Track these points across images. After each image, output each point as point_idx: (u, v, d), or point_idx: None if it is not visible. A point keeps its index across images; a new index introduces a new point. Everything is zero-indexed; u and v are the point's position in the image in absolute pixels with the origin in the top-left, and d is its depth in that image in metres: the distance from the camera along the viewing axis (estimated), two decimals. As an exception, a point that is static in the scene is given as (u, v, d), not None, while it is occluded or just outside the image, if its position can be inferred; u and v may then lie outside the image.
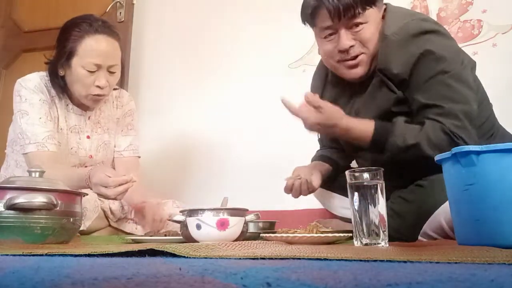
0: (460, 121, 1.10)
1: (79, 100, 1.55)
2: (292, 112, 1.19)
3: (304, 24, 1.28)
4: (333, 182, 1.52)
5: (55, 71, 1.51)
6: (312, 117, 1.16)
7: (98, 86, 1.47)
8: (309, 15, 1.22)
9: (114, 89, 1.65)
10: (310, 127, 1.19)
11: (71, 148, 1.58)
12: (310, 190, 1.36)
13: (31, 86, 1.51)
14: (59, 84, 1.52)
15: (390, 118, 1.20)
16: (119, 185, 1.25)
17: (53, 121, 1.52)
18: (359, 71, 1.23)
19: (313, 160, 1.57)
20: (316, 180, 1.35)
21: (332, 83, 1.38)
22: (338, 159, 1.50)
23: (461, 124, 1.10)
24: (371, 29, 1.19)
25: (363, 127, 1.18)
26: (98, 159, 1.67)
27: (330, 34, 1.22)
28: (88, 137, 1.63)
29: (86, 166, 1.60)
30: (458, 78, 1.13)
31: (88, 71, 1.45)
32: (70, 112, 1.59)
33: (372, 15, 1.19)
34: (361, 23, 1.18)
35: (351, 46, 1.20)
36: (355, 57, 1.21)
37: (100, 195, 1.32)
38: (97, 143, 1.66)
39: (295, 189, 1.33)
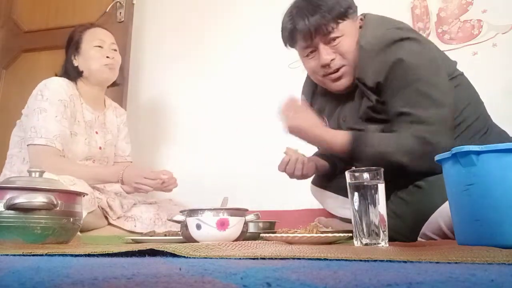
0: (431, 126, 1.11)
1: (94, 79, 1.78)
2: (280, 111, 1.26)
3: (286, 46, 1.32)
4: (331, 182, 1.52)
5: (71, 63, 1.78)
6: (289, 119, 1.23)
7: (107, 57, 1.77)
8: (287, 38, 1.28)
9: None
10: (287, 128, 1.24)
11: (85, 139, 1.74)
12: (304, 173, 1.39)
13: (55, 87, 1.67)
14: (77, 71, 1.77)
15: (370, 126, 1.22)
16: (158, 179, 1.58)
17: (68, 119, 1.67)
18: (343, 82, 1.26)
19: None
20: (311, 169, 1.41)
21: (320, 93, 1.42)
22: (336, 159, 1.51)
23: (432, 129, 1.11)
24: (348, 41, 1.23)
25: (339, 138, 1.20)
26: (105, 153, 1.84)
27: (311, 52, 1.26)
28: (96, 132, 1.82)
29: (94, 161, 1.78)
30: (431, 83, 1.14)
31: (96, 46, 1.77)
32: (85, 109, 1.78)
33: (347, 27, 1.23)
34: (338, 37, 1.22)
35: (332, 60, 1.23)
36: (338, 69, 1.24)
37: (135, 188, 1.60)
38: (103, 139, 1.85)
39: (290, 164, 1.37)
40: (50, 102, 1.63)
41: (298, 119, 1.23)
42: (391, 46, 1.16)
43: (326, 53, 1.23)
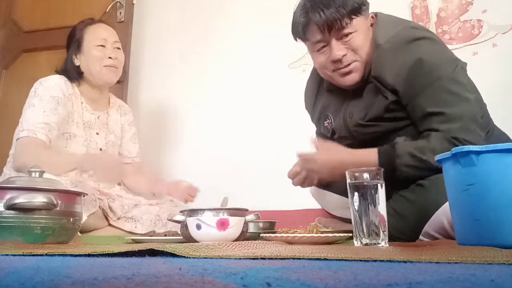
0: (463, 123, 1.12)
1: (95, 81, 1.74)
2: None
3: (296, 40, 1.31)
4: (331, 182, 1.52)
5: (71, 63, 1.74)
6: (309, 169, 1.28)
7: (110, 58, 1.73)
8: (300, 32, 1.27)
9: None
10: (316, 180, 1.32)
11: (84, 141, 1.72)
12: (309, 185, 1.39)
13: (49, 84, 1.65)
14: (78, 71, 1.73)
15: (380, 123, 1.23)
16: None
17: (59, 116, 1.63)
18: (353, 77, 1.25)
19: None
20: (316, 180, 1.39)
21: (326, 89, 1.41)
22: None
23: (464, 126, 1.11)
24: (360, 37, 1.23)
25: (366, 156, 1.19)
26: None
27: (323, 47, 1.26)
28: (97, 133, 1.79)
29: None
30: (455, 81, 1.15)
31: (98, 45, 1.72)
32: (84, 110, 1.76)
33: (359, 23, 1.23)
34: (350, 33, 1.22)
35: (344, 55, 1.23)
36: (348, 64, 1.24)
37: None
38: (105, 140, 1.82)
39: (298, 180, 1.36)
40: (41, 98, 1.61)
41: (313, 162, 1.26)
42: (408, 45, 1.17)
43: (338, 49, 1.22)
